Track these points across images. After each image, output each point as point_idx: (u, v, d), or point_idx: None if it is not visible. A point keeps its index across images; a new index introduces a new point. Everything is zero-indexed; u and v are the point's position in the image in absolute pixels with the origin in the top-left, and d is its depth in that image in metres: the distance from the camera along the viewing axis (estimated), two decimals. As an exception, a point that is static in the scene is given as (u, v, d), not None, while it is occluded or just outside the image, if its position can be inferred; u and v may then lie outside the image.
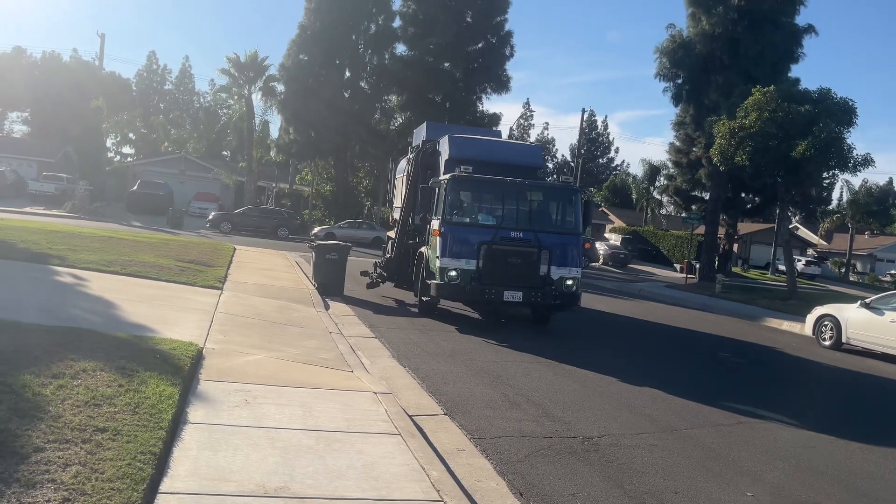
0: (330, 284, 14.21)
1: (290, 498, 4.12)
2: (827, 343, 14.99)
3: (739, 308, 21.79)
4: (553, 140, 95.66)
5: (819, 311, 15.67)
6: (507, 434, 6.26)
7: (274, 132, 55.39)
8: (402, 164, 18.25)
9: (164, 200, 38.98)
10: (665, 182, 47.76)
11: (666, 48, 32.82)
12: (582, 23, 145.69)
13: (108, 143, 58.83)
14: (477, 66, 42.93)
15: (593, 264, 39.10)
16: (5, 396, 4.64)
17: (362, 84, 44.72)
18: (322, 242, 15.68)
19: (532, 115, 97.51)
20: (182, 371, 6.08)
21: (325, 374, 7.29)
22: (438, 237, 12.09)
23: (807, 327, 15.97)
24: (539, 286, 12.11)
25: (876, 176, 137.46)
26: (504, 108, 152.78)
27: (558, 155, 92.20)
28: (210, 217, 35.40)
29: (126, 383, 5.39)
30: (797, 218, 66.14)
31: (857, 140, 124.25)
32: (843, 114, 22.22)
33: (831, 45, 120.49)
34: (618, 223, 63.19)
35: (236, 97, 48.86)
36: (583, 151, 62.52)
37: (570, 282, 12.33)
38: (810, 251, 61.05)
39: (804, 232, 66.51)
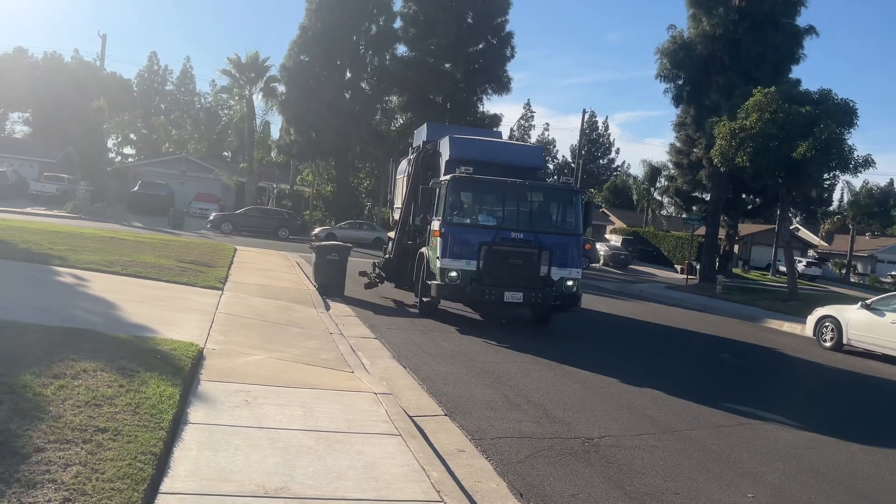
0: (330, 285, 14.21)
1: (291, 498, 4.12)
2: (828, 344, 14.98)
3: (740, 309, 21.78)
4: (554, 141, 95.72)
5: (820, 312, 15.66)
6: (508, 435, 6.26)
7: (275, 133, 55.55)
8: (403, 164, 18.26)
9: (164, 201, 39.04)
10: (666, 183, 47.74)
11: (667, 49, 32.82)
12: (582, 24, 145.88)
13: (110, 143, 58.98)
14: (477, 66, 42.93)
15: (594, 265, 39.09)
16: (6, 397, 4.65)
17: (363, 85, 44.76)
18: (323, 243, 15.68)
19: (533, 116, 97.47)
20: (183, 371, 6.09)
21: (325, 374, 7.30)
22: (439, 238, 12.10)
23: (807, 328, 15.96)
24: (539, 287, 12.12)
25: (877, 177, 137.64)
26: (505, 109, 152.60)
27: (559, 156, 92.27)
28: (211, 218, 35.43)
29: (127, 384, 5.39)
30: (798, 219, 66.13)
31: (858, 141, 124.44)
32: (844, 115, 22.21)
33: (832, 46, 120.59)
34: (618, 224, 63.18)
35: (237, 98, 48.89)
36: (583, 152, 62.52)
37: (570, 282, 12.33)
38: (811, 252, 61.01)
39: (805, 233, 66.48)
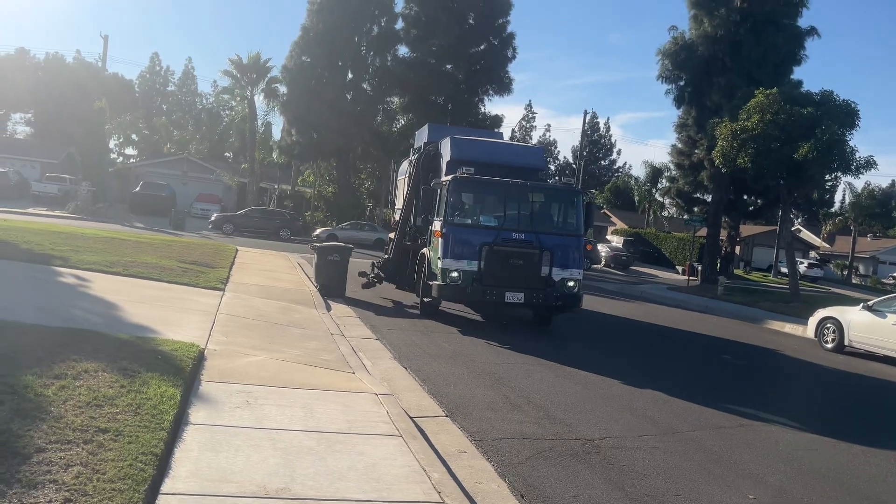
0: (331, 286, 14.21)
1: (291, 499, 4.12)
2: (829, 346, 14.96)
3: (741, 310, 21.76)
4: (555, 142, 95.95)
5: (821, 313, 15.64)
6: (509, 436, 6.26)
7: (276, 134, 55.58)
8: (404, 165, 18.28)
9: (166, 202, 39.07)
10: (667, 184, 47.71)
11: (668, 50, 32.83)
12: (584, 25, 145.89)
13: (111, 144, 59.04)
14: (479, 67, 42.94)
15: (595, 266, 39.09)
16: (8, 397, 4.65)
17: (364, 86, 44.78)
18: (324, 244, 15.69)
19: (534, 117, 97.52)
20: (184, 372, 6.09)
21: (326, 375, 7.30)
22: (440, 238, 12.10)
23: (809, 330, 15.95)
24: (541, 287, 12.11)
25: (878, 178, 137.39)
26: (506, 110, 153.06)
27: (560, 157, 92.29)
28: (212, 218, 35.48)
29: (128, 384, 5.40)
30: (799, 220, 66.09)
31: (860, 142, 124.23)
32: (846, 116, 22.20)
33: (833, 47, 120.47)
34: (620, 225, 63.18)
35: (239, 98, 48.91)
36: (585, 153, 62.52)
37: (571, 283, 12.33)
38: (812, 253, 60.95)
39: (806, 234, 66.44)
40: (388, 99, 45.50)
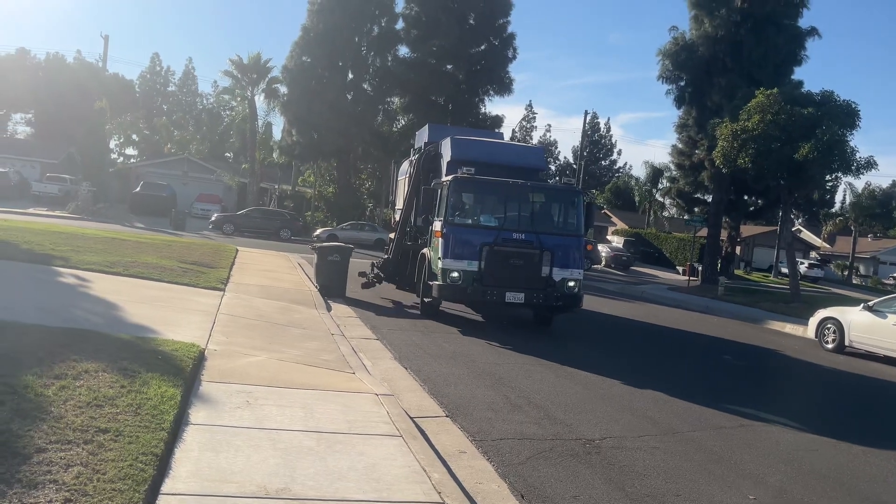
0: (332, 286, 14.21)
1: (292, 499, 4.12)
2: (830, 346, 14.95)
3: (742, 311, 21.76)
4: (555, 142, 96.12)
5: (822, 314, 15.64)
6: (509, 436, 6.25)
7: (277, 134, 55.57)
8: (405, 166, 18.28)
9: (166, 202, 39.08)
10: (667, 184, 47.73)
11: (668, 50, 32.82)
12: (584, 25, 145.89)
13: (112, 144, 59.02)
14: (479, 68, 42.94)
15: (595, 266, 39.09)
16: (8, 397, 4.65)
17: (365, 86, 44.78)
18: (324, 244, 15.69)
19: (534, 117, 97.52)
20: (184, 372, 6.09)
21: (326, 375, 7.30)
22: (441, 238, 12.10)
23: (809, 330, 15.95)
24: (541, 287, 12.11)
25: (879, 179, 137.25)
26: (506, 110, 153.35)
27: (561, 157, 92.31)
28: (213, 218, 35.48)
29: (128, 384, 5.40)
30: (800, 220, 66.04)
31: (860, 143, 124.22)
32: (846, 116, 22.19)
33: (834, 47, 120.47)
34: (620, 225, 63.18)
35: (239, 99, 48.91)
36: (585, 153, 62.52)
37: (571, 283, 12.33)
38: (813, 254, 60.92)
39: (807, 234, 66.42)
40: (388, 99, 45.50)
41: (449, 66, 43.02)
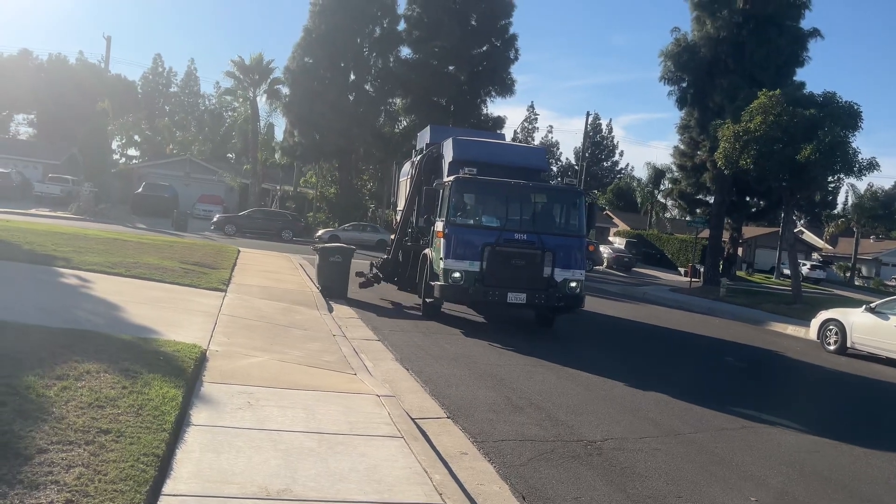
0: (333, 287, 14.21)
1: (293, 500, 4.12)
2: (832, 348, 14.93)
3: (744, 312, 21.73)
4: (557, 143, 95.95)
5: (824, 315, 15.61)
6: (510, 437, 6.25)
7: (278, 135, 55.60)
8: (406, 167, 18.29)
9: (168, 202, 39.12)
10: (669, 185, 47.73)
11: (670, 52, 32.82)
12: (586, 26, 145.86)
13: (114, 145, 59.18)
14: (481, 69, 42.96)
15: (597, 268, 39.07)
16: (10, 398, 4.66)
17: (367, 87, 44.80)
18: (326, 245, 15.69)
19: (536, 119, 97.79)
20: (185, 373, 6.09)
21: (328, 376, 7.30)
22: (442, 239, 12.10)
23: (811, 332, 15.92)
24: (543, 288, 12.10)
25: (881, 180, 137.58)
26: (508, 112, 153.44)
27: (562, 158, 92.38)
28: (214, 219, 35.50)
29: (130, 385, 5.40)
30: (802, 222, 65.91)
31: (863, 144, 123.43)
32: (849, 118, 22.18)
33: (836, 48, 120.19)
34: (622, 227, 63.17)
35: (241, 100, 49.00)
36: (587, 154, 62.47)
37: (573, 284, 12.32)
38: (815, 255, 60.87)
39: (809, 236, 66.34)
40: (390, 100, 45.53)
41: (451, 67, 43.05)
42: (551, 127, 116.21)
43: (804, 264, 47.73)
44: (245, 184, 47.26)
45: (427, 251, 13.21)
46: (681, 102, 34.08)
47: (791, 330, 18.42)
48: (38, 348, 5.95)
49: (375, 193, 48.88)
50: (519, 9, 59.09)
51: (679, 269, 45.42)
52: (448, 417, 6.66)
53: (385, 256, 16.12)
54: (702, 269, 34.35)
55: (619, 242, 50.92)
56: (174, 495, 3.95)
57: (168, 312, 9.13)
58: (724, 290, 26.87)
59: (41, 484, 3.65)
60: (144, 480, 3.89)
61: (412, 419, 6.19)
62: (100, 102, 44.47)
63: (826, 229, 65.05)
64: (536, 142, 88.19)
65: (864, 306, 14.77)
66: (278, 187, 51.48)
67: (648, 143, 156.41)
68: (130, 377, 5.59)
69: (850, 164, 22.11)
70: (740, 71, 30.78)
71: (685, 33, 33.35)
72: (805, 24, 32.09)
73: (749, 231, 51.09)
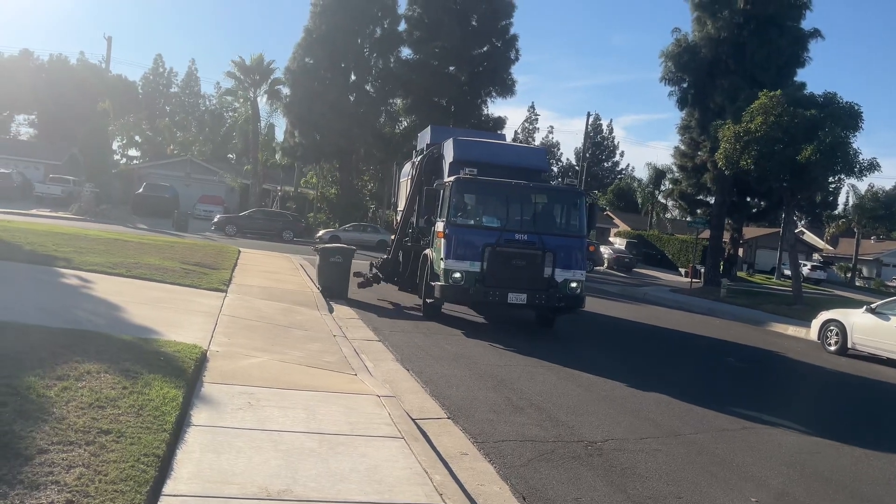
0: (334, 287, 14.21)
1: (293, 501, 4.12)
2: (832, 348, 14.92)
3: (744, 313, 21.72)
4: (558, 144, 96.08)
5: (824, 316, 15.61)
6: (511, 438, 6.25)
7: (279, 135, 55.66)
8: (407, 167, 18.29)
9: (169, 203, 39.14)
10: (670, 186, 47.68)
11: (671, 52, 32.82)
12: (587, 27, 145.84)
13: (115, 145, 59.19)
14: (482, 69, 42.96)
15: (598, 268, 39.05)
16: (10, 398, 4.66)
17: (367, 87, 44.82)
18: (326, 245, 15.69)
19: (537, 119, 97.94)
20: (186, 373, 6.09)
21: (328, 377, 7.30)
22: (443, 239, 12.10)
23: (812, 332, 15.92)
24: (543, 288, 12.10)
25: (882, 180, 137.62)
26: (509, 112, 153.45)
27: (563, 159, 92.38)
28: (215, 220, 35.52)
29: (130, 385, 5.40)
30: (803, 222, 65.88)
31: (863, 145, 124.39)
32: (849, 118, 22.18)
33: (837, 49, 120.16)
34: (623, 227, 63.15)
35: (242, 100, 49.05)
36: (588, 155, 62.46)
37: (574, 284, 12.32)
38: (816, 256, 60.84)
39: (810, 236, 66.31)
40: (390, 100, 45.53)
41: (451, 68, 43.06)
42: (552, 127, 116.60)
43: (805, 265, 47.72)
44: (246, 184, 47.28)
45: (427, 251, 13.21)
46: (681, 103, 34.10)
47: (792, 330, 18.41)
48: (39, 348, 5.95)
49: (376, 194, 48.90)
50: (519, 9, 58.96)
51: (680, 269, 45.41)
52: (448, 418, 6.66)
53: (385, 257, 16.11)
54: (702, 270, 34.34)
55: (620, 243, 50.91)
56: (174, 496, 3.95)
57: (169, 313, 9.13)
58: (725, 290, 26.87)
59: (42, 484, 3.65)
60: (145, 481, 3.89)
61: (413, 420, 6.19)
62: (100, 103, 44.47)
63: (827, 230, 65.06)
64: (537, 142, 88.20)
65: (864, 307, 14.76)
66: (279, 188, 51.49)
67: (649, 144, 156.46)
68: (131, 377, 5.59)
69: (851, 165, 22.13)
70: (741, 71, 30.79)
71: (686, 34, 33.39)
72: (806, 24, 32.18)
73: (750, 232, 51.08)
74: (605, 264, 42.47)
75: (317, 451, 4.96)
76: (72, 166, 46.62)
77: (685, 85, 33.42)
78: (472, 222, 12.49)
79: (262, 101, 45.59)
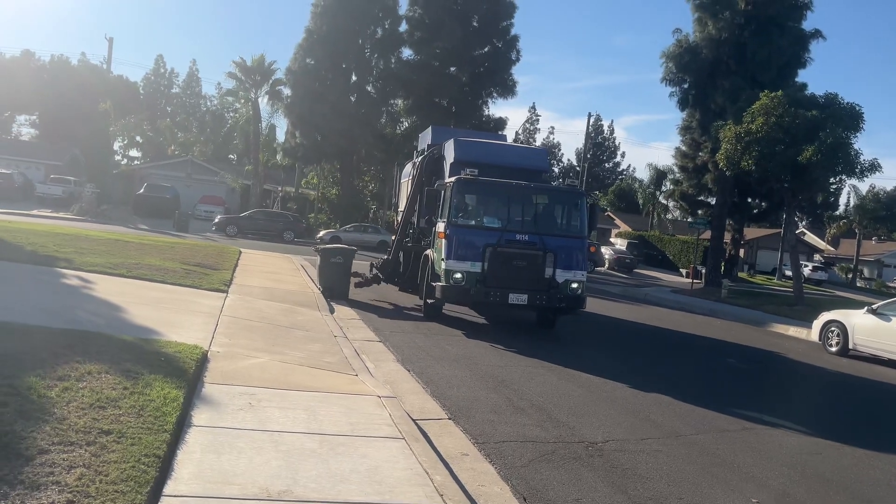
0: (335, 288, 14.22)
1: (294, 501, 4.12)
2: (833, 349, 14.91)
3: (745, 313, 21.71)
4: (559, 144, 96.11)
5: (826, 316, 15.60)
6: (512, 439, 6.25)
7: (280, 136, 55.68)
8: (408, 168, 18.29)
9: (170, 203, 39.14)
10: (671, 187, 47.68)
11: (672, 53, 32.81)
12: (588, 27, 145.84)
13: (116, 146, 59.24)
14: (483, 70, 42.96)
15: (599, 269, 39.03)
16: (11, 398, 4.66)
17: (368, 88, 44.83)
18: (327, 246, 15.69)
19: (538, 120, 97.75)
20: (187, 374, 6.10)
21: (329, 377, 7.30)
22: (444, 239, 12.10)
23: (813, 333, 15.90)
24: (544, 289, 12.10)
25: (883, 181, 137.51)
26: (510, 113, 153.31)
27: (564, 159, 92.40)
28: (216, 220, 35.52)
29: (131, 386, 5.40)
30: (804, 223, 65.86)
31: (864, 145, 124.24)
32: (850, 119, 22.17)
33: (838, 49, 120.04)
34: (624, 228, 63.13)
35: (243, 101, 49.05)
36: (589, 156, 62.50)
37: (575, 284, 12.31)
38: (817, 256, 60.79)
39: (811, 237, 66.27)
40: (391, 101, 45.55)
41: (452, 69, 43.06)
42: (553, 128, 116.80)
43: (806, 266, 47.67)
44: (246, 185, 47.30)
45: (428, 252, 13.21)
46: (682, 104, 34.08)
47: (793, 331, 18.39)
48: (40, 349, 5.96)
49: (377, 194, 48.92)
50: (520, 10, 59.10)
51: (681, 270, 45.39)
52: (449, 418, 6.66)
53: (385, 257, 16.11)
54: (703, 271, 34.31)
55: (621, 244, 50.87)
56: (175, 496, 3.95)
57: (169, 313, 9.13)
58: (726, 291, 26.85)
59: (42, 484, 3.66)
60: (145, 481, 3.89)
61: (413, 420, 6.19)
62: (102, 103, 44.52)
63: (828, 231, 65.02)
64: (538, 143, 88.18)
65: (865, 308, 14.75)
66: (280, 188, 51.53)
67: (650, 145, 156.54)
68: (132, 378, 5.59)
69: (852, 166, 22.11)
70: (742, 72, 30.77)
71: (687, 34, 33.35)
72: (807, 25, 32.13)
73: (751, 232, 51.07)
74: (606, 265, 42.45)
75: (317, 452, 4.96)
76: (73, 167, 46.67)
77: (686, 85, 33.40)
78: (472, 223, 12.49)
79: (264, 102, 45.66)
